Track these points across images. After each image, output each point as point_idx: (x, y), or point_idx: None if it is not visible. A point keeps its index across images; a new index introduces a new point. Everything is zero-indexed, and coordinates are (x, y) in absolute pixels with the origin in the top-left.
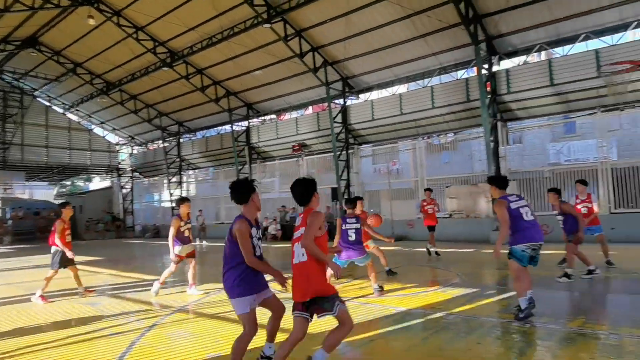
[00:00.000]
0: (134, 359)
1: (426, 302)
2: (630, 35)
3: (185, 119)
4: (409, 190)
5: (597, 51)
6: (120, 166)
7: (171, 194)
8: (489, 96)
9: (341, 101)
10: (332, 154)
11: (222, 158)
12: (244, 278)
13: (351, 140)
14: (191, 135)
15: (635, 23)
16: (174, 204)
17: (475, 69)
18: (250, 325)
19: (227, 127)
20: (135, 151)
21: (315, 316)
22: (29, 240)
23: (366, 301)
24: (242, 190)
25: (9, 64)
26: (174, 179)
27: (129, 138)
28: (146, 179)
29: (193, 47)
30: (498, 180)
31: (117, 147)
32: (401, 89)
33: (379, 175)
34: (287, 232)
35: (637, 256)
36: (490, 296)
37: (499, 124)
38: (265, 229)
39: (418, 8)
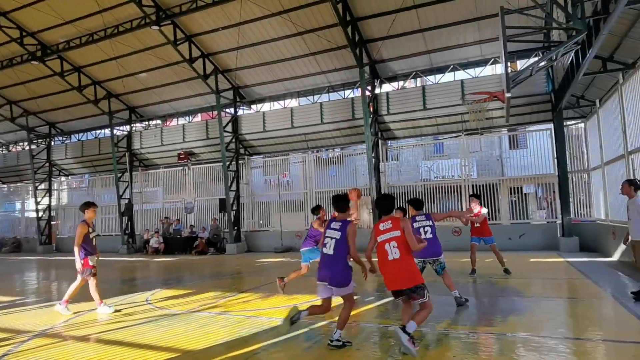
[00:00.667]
0: None
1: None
2: (490, 69)
3: (58, 120)
4: (299, 202)
5: (462, 81)
6: None
7: (37, 203)
8: (372, 116)
9: (232, 110)
10: (221, 163)
11: (99, 164)
12: (350, 268)
13: (242, 151)
14: (64, 138)
15: (493, 60)
16: (41, 214)
17: (360, 90)
18: (352, 301)
19: (107, 131)
20: None
21: None
22: None
23: (252, 314)
24: (346, 201)
25: None
26: (41, 186)
27: None
28: (5, 185)
29: (70, 42)
30: (415, 202)
31: None
32: (293, 102)
33: (269, 187)
34: (170, 245)
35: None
36: (370, 302)
37: (380, 142)
38: (147, 242)
39: (309, 27)
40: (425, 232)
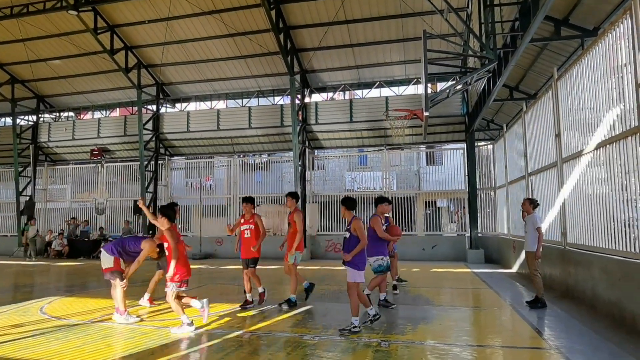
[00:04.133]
0: None
1: (225, 321)
2: (413, 89)
3: None
4: (221, 207)
5: (387, 98)
6: None
7: None
8: (300, 124)
9: (154, 107)
10: (139, 163)
11: None
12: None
13: (162, 151)
14: None
15: (415, 80)
16: None
17: (289, 97)
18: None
19: (9, 120)
20: None
21: None
22: None
23: (162, 324)
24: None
25: None
26: None
27: None
28: None
29: None
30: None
31: None
32: (220, 104)
33: (191, 190)
34: (75, 248)
35: (406, 273)
36: (286, 312)
37: (307, 150)
38: (49, 244)
39: (241, 30)
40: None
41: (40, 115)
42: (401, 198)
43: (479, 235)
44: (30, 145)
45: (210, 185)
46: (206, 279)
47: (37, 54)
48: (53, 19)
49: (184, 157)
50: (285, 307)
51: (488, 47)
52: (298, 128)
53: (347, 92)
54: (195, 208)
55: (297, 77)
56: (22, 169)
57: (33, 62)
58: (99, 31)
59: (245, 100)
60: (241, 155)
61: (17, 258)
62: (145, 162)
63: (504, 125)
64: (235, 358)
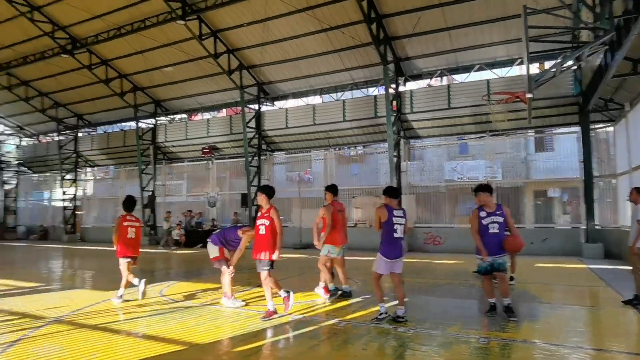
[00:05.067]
0: None
1: (322, 309)
2: (517, 70)
3: (85, 112)
4: (320, 199)
5: (488, 81)
6: (3, 158)
7: (64, 192)
8: (394, 114)
9: (256, 106)
10: (244, 159)
11: (124, 156)
12: None
13: (264, 147)
14: (91, 130)
15: (519, 60)
16: (67, 204)
17: (383, 87)
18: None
19: (132, 124)
20: (24, 143)
21: None
22: None
23: (265, 309)
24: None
25: None
26: (68, 176)
27: (18, 128)
28: (35, 175)
29: (98, 36)
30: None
31: (2, 137)
32: (315, 99)
33: (291, 183)
34: (191, 238)
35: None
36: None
37: (402, 140)
38: (168, 234)
39: (333, 24)
40: None
41: (157, 118)
42: (507, 188)
43: (597, 227)
44: (151, 146)
45: (309, 178)
46: (305, 267)
47: (152, 63)
48: (164, 30)
49: (284, 152)
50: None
51: (602, 16)
52: (392, 118)
53: (444, 78)
54: (294, 201)
55: (391, 66)
56: (144, 167)
57: (150, 70)
58: (203, 37)
59: (339, 94)
60: (336, 148)
61: (142, 246)
62: (250, 158)
63: (627, 104)
64: (329, 346)
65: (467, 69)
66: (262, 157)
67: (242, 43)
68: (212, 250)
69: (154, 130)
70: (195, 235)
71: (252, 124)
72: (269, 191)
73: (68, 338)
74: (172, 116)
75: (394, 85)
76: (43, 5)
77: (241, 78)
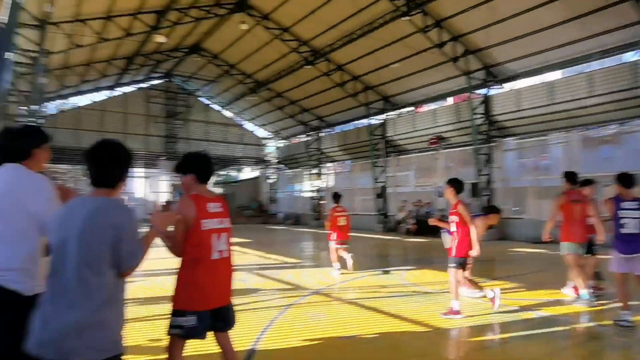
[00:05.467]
0: (274, 332)
1: (573, 310)
2: None
3: (325, 114)
4: (560, 188)
5: None
6: (266, 158)
7: (311, 185)
8: None
9: (483, 91)
10: (472, 147)
11: (358, 151)
12: None
13: (494, 133)
14: (330, 130)
15: None
16: (313, 194)
17: None
18: None
19: (364, 121)
20: (280, 144)
21: None
22: None
23: (504, 303)
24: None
25: (178, 68)
26: (314, 171)
27: (275, 132)
28: (289, 170)
29: (333, 45)
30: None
31: (265, 141)
32: (551, 76)
33: (524, 171)
34: (422, 227)
35: None
36: None
37: None
38: (399, 222)
39: None
40: None
41: (386, 114)
42: None
43: None
44: (381, 140)
45: (546, 164)
46: (545, 264)
47: (380, 62)
48: (390, 29)
49: (516, 138)
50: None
51: None
52: None
53: None
54: (530, 190)
55: None
56: (376, 160)
57: (378, 69)
58: (426, 29)
59: (582, 66)
60: (581, 129)
61: (376, 233)
62: (478, 146)
63: None
64: (585, 350)
65: None
66: (491, 144)
67: (466, 28)
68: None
69: (383, 125)
70: (425, 225)
71: (480, 110)
72: (457, 185)
73: (327, 308)
74: (399, 110)
75: None
76: (290, 26)
77: (467, 64)
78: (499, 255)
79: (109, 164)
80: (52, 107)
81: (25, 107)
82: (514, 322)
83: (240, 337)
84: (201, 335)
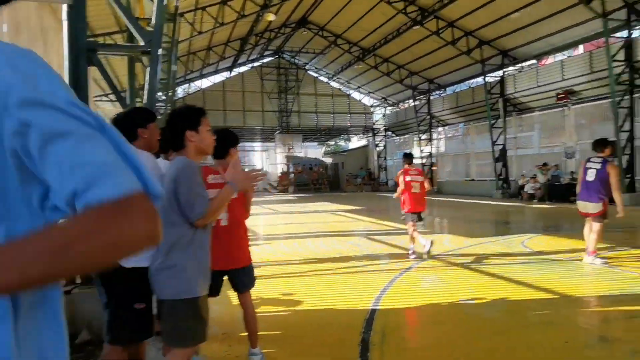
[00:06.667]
0: (392, 294)
1: None
2: None
3: (435, 76)
4: None
5: None
6: (374, 126)
7: (421, 151)
8: None
9: (624, 34)
10: (610, 100)
11: (473, 113)
12: None
13: (638, 82)
14: (441, 92)
15: None
16: (424, 161)
17: None
18: None
19: (480, 80)
20: (387, 111)
21: None
22: (306, 190)
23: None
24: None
25: (287, 44)
26: (424, 137)
27: (382, 99)
28: (398, 137)
29: (444, 0)
30: None
31: (372, 109)
32: None
33: None
34: (549, 192)
35: None
36: None
37: None
38: (522, 187)
39: None
40: None
41: (504, 70)
42: None
43: None
44: (499, 99)
45: None
46: None
47: (496, 13)
48: None
49: None
50: None
51: None
52: None
53: None
54: None
55: None
56: (494, 121)
57: (495, 22)
58: None
59: None
60: None
61: (495, 199)
62: (618, 99)
63: None
64: None
65: None
66: (635, 95)
67: None
68: (595, 207)
69: (501, 82)
70: (553, 189)
71: (620, 56)
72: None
73: (444, 273)
74: (520, 65)
75: None
76: None
77: (603, 3)
78: None
79: (169, 130)
80: (180, 91)
81: (163, 94)
82: None
83: (360, 297)
84: (212, 293)
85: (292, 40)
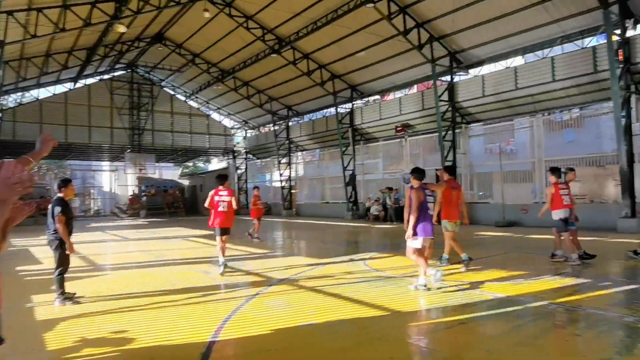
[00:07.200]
0: (234, 323)
1: (528, 290)
2: None
3: (293, 103)
4: (525, 173)
5: None
6: (235, 148)
7: (281, 174)
8: (621, 66)
9: (448, 78)
10: (437, 134)
11: (327, 140)
12: None
13: (458, 119)
14: (299, 119)
15: None
16: (284, 184)
17: (604, 35)
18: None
19: (332, 110)
20: (248, 134)
21: None
22: (160, 214)
23: (465, 286)
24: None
25: (141, 59)
26: (283, 160)
27: (243, 122)
28: (258, 160)
29: (299, 33)
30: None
31: (232, 131)
32: (516, 61)
33: (490, 156)
34: (389, 213)
35: None
36: (604, 288)
37: (633, 97)
38: (368, 209)
39: None
40: None
41: (353, 102)
42: None
43: None
44: (349, 128)
45: (511, 149)
46: (511, 247)
47: (347, 50)
48: (355, 16)
49: (481, 123)
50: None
51: None
52: (618, 71)
53: None
54: (495, 175)
55: (614, 8)
56: (345, 148)
57: (344, 58)
58: (392, 16)
59: (546, 51)
60: (545, 114)
61: (346, 220)
62: (444, 133)
63: None
64: (535, 327)
65: None
66: (456, 131)
67: (431, 14)
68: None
69: (351, 113)
70: (392, 211)
71: (445, 97)
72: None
73: (290, 296)
74: (366, 98)
75: (618, 31)
76: (255, 14)
77: (432, 51)
78: (464, 239)
79: None
80: (11, 100)
81: None
82: (474, 303)
83: (199, 329)
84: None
85: (147, 54)
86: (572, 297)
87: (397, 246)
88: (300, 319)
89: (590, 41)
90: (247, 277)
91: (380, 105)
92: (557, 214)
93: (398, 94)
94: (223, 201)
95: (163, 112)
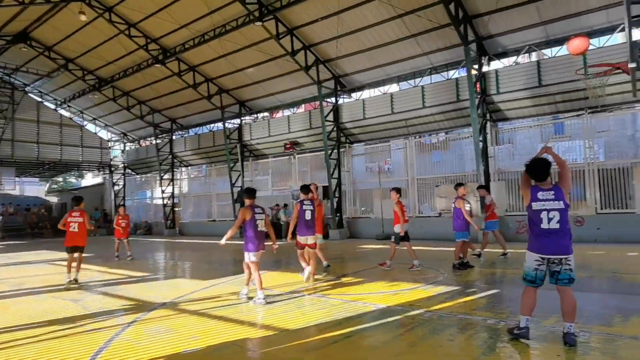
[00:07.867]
0: (110, 354)
1: (406, 299)
2: (621, 37)
3: (178, 116)
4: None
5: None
6: (112, 163)
7: (163, 191)
8: (479, 96)
9: (333, 99)
10: (323, 152)
11: (214, 156)
12: None
13: (343, 139)
14: (183, 133)
15: (622, 27)
16: (166, 201)
17: (465, 69)
18: None
19: (220, 125)
20: (127, 148)
21: None
22: (20, 236)
23: (348, 298)
24: None
25: (0, 59)
26: (166, 176)
27: (122, 135)
28: (138, 176)
29: (185, 45)
30: None
31: (110, 144)
32: (393, 88)
33: (371, 174)
34: (277, 231)
35: (619, 257)
36: (471, 294)
37: (489, 124)
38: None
39: (408, 8)
40: None
41: (242, 118)
42: (612, 170)
43: None
44: (237, 145)
45: (389, 168)
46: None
47: (235, 66)
48: (244, 33)
49: (363, 144)
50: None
51: None
52: (477, 101)
53: (532, 54)
54: (375, 191)
55: (473, 45)
56: (233, 164)
57: (233, 73)
58: (280, 36)
59: (417, 80)
60: (417, 137)
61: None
62: (329, 151)
63: None
64: (414, 335)
65: (559, 41)
66: (341, 150)
67: (317, 38)
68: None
69: (239, 129)
70: (281, 228)
71: (331, 117)
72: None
73: (172, 321)
74: (255, 115)
75: (476, 66)
76: (138, 22)
77: (318, 73)
78: (348, 252)
79: None
80: None
81: None
82: (358, 315)
83: None
84: None
85: (7, 55)
86: (444, 305)
87: (287, 263)
88: (183, 344)
89: (454, 73)
90: (124, 302)
91: (270, 122)
92: (398, 228)
93: (287, 112)
94: (74, 222)
95: (27, 121)
